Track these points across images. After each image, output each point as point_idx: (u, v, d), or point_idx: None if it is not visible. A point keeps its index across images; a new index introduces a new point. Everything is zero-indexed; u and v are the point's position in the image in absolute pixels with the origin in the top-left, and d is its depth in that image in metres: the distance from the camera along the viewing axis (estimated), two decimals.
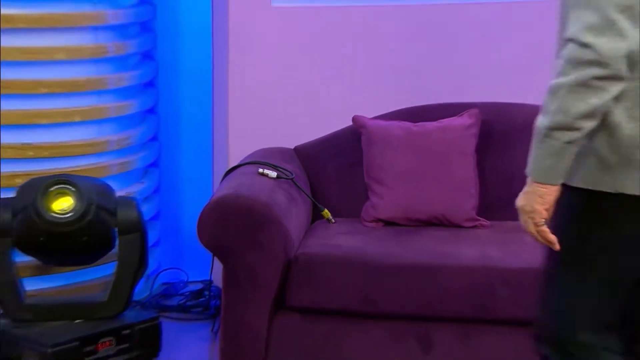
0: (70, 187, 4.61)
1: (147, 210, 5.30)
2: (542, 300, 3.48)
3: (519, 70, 5.65)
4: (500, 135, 5.22)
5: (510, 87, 5.53)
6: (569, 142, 3.19)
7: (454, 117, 5.12)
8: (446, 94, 5.43)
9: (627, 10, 3.25)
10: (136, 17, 5.46)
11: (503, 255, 4.48)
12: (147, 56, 5.68)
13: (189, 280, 5.77)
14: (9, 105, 5.02)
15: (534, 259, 4.19)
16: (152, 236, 5.26)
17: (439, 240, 4.71)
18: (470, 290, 4.36)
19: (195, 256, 4.85)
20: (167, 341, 4.80)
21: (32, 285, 5.04)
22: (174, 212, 5.91)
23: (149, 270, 5.12)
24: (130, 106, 5.35)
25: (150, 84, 5.67)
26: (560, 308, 3.39)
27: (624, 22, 3.19)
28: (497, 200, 5.11)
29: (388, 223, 4.93)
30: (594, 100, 3.14)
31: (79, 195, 4.59)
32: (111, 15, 5.18)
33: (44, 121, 5.13)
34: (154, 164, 5.71)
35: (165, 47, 5.74)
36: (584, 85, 3.10)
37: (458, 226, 4.92)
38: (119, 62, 5.33)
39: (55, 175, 4.77)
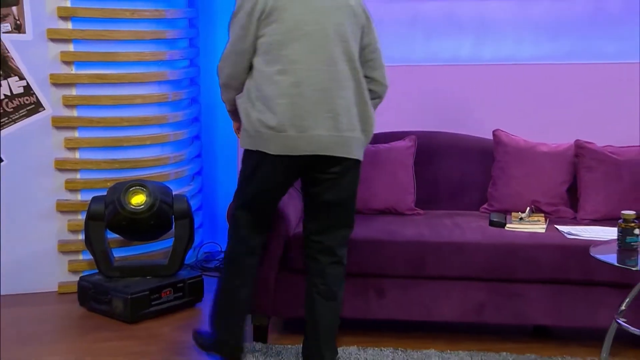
0: (143, 188, 4.94)
1: (193, 203, 5.51)
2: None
3: (442, 110, 5.57)
4: (429, 152, 5.22)
5: (436, 122, 5.44)
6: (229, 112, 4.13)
7: (399, 141, 5.19)
8: (392, 124, 5.34)
9: None
10: (187, 74, 5.63)
11: (431, 233, 4.57)
12: (194, 100, 5.85)
13: (222, 250, 5.70)
14: (103, 134, 5.20)
15: (452, 235, 4.55)
16: (197, 221, 5.50)
17: (389, 223, 4.77)
18: (410, 256, 4.44)
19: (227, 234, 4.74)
20: (208, 291, 4.89)
21: (118, 253, 5.19)
22: (211, 205, 6.02)
23: (195, 244, 5.31)
24: (183, 134, 5.58)
25: (196, 119, 5.84)
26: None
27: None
28: (427, 197, 5.20)
29: (356, 212, 4.78)
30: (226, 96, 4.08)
31: (148, 193, 4.90)
32: (170, 74, 5.37)
33: (125, 144, 5.27)
34: (198, 173, 5.92)
35: (207, 94, 5.79)
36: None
37: (402, 214, 5.00)
38: (176, 105, 5.51)
39: (133, 180, 4.98)
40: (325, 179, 3.85)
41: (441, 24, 5.78)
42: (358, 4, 3.92)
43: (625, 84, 5.63)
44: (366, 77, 3.94)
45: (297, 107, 3.71)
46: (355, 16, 3.88)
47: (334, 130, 3.75)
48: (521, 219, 4.81)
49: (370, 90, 3.95)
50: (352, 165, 3.88)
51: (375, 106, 4.04)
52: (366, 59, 3.94)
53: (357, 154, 3.88)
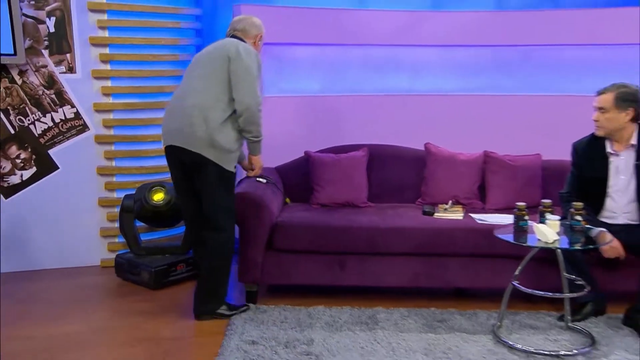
0: (162, 188, 4.87)
1: None
2: None
3: (387, 128, 5.63)
4: (378, 160, 5.31)
5: (383, 137, 5.50)
6: None
7: (356, 151, 5.26)
8: (350, 139, 5.47)
9: None
10: None
11: (380, 221, 4.66)
12: None
13: None
14: (133, 147, 5.31)
15: (395, 222, 4.62)
16: None
17: (348, 214, 4.85)
18: (364, 237, 4.54)
19: None
20: None
21: (144, 237, 5.26)
22: None
23: None
24: None
25: None
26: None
27: None
28: (376, 193, 5.28)
29: (323, 205, 5.08)
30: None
31: (166, 192, 4.86)
32: None
33: (150, 155, 5.31)
34: None
35: None
36: None
37: (358, 206, 5.10)
38: None
39: (155, 182, 4.99)
40: None
41: (386, 64, 5.80)
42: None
43: (519, 110, 5.74)
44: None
45: None
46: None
47: None
48: (445, 209, 4.93)
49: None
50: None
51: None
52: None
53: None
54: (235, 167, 4.19)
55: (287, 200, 5.14)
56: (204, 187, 4.15)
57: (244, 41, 4.23)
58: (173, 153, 4.17)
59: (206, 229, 4.21)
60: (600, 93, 4.30)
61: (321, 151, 5.32)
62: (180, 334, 4.11)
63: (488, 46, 5.79)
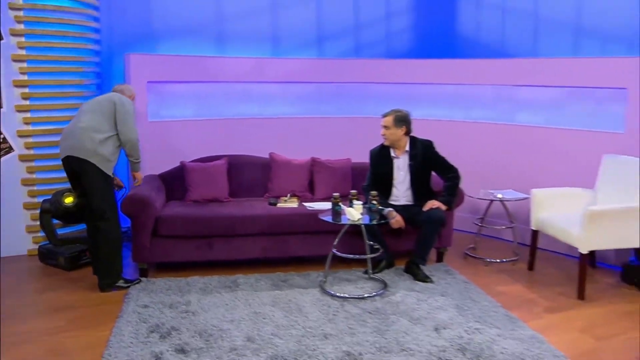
0: (72, 193, 4.59)
1: None
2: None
3: (242, 142, 5.70)
4: (236, 166, 5.27)
5: (240, 149, 5.56)
6: None
7: (218, 160, 5.20)
8: (214, 151, 5.43)
9: None
10: None
11: (238, 211, 4.62)
12: None
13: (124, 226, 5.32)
14: (48, 163, 4.98)
15: (249, 211, 4.61)
16: None
17: (214, 207, 4.78)
18: (227, 224, 4.49)
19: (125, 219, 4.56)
20: None
21: (60, 231, 5.00)
22: None
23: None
24: None
25: None
26: None
27: None
28: (235, 191, 5.24)
29: (195, 201, 4.98)
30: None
31: (75, 196, 4.55)
32: None
33: (61, 169, 4.85)
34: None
35: None
36: None
37: (221, 201, 5.03)
38: None
39: (66, 188, 4.69)
40: None
41: (241, 96, 5.80)
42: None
43: (335, 128, 6.02)
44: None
45: None
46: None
47: None
48: (285, 200, 5.03)
49: None
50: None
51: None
52: None
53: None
54: (112, 173, 4.25)
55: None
56: (91, 186, 4.16)
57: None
58: (67, 163, 4.24)
59: (97, 220, 4.19)
60: (384, 116, 4.59)
61: (193, 161, 5.26)
62: (89, 303, 4.06)
63: (313, 82, 6.01)
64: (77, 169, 4.20)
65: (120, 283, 4.31)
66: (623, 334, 3.63)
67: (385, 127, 4.58)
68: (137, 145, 4.28)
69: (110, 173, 4.22)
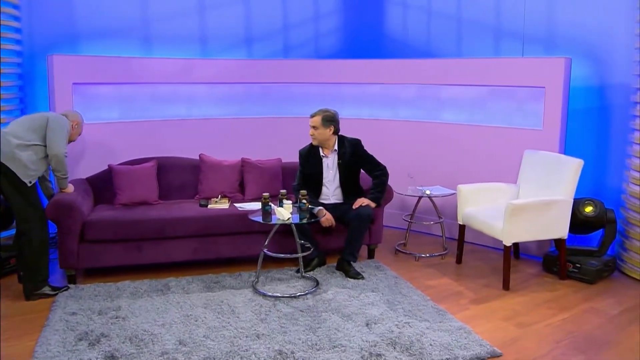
0: None
1: None
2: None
3: (172, 144, 5.61)
4: (165, 168, 5.18)
5: (169, 151, 5.49)
6: None
7: (147, 163, 5.12)
8: (143, 153, 5.37)
9: None
10: None
11: (167, 213, 4.59)
12: None
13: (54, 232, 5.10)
14: None
15: (179, 213, 4.57)
16: None
17: (144, 210, 4.69)
18: (157, 226, 4.45)
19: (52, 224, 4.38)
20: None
21: None
22: None
23: None
24: None
25: None
26: None
27: None
28: (164, 193, 5.16)
29: (124, 204, 4.87)
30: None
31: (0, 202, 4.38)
32: None
33: None
34: None
35: None
36: None
37: (151, 204, 4.93)
38: None
39: None
40: None
41: (168, 97, 5.71)
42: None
43: (263, 128, 5.98)
44: None
45: None
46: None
47: None
48: (216, 201, 5.00)
49: None
50: None
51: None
52: None
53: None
54: (30, 182, 4.08)
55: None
56: (8, 190, 4.04)
57: None
58: None
59: (19, 224, 4.09)
60: (312, 116, 4.63)
61: (121, 164, 5.18)
62: (13, 312, 3.91)
63: (241, 83, 5.97)
64: None
65: (46, 290, 4.17)
66: (544, 321, 3.82)
67: (314, 127, 4.62)
68: (64, 161, 4.22)
69: (26, 181, 4.07)
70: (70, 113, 4.62)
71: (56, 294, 4.18)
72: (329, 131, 4.62)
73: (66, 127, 4.31)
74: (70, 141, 4.54)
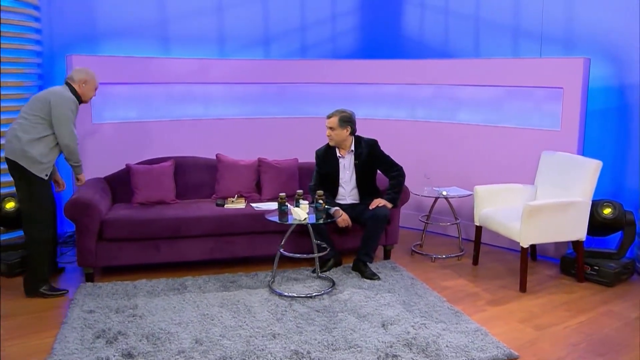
0: (13, 198, 4.55)
1: None
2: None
3: (189, 144, 5.64)
4: (182, 168, 5.20)
5: (187, 151, 5.53)
6: None
7: (164, 162, 5.14)
8: (161, 153, 5.39)
9: None
10: None
11: (184, 212, 4.59)
12: None
13: (72, 230, 5.39)
14: None
15: (196, 212, 4.58)
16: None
17: (160, 209, 4.70)
18: (173, 225, 4.46)
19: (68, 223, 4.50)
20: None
21: (3, 237, 4.71)
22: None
23: None
24: None
25: None
26: None
27: None
28: (182, 193, 5.18)
29: (141, 204, 4.89)
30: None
31: (17, 202, 4.50)
32: None
33: (3, 172, 4.82)
34: None
35: None
36: None
37: (168, 203, 4.94)
38: None
39: (7, 193, 4.60)
40: None
41: (185, 97, 5.72)
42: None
43: (281, 128, 5.98)
44: None
45: None
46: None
47: None
48: (232, 201, 4.99)
49: None
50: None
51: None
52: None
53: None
54: (46, 175, 4.05)
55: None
56: (18, 188, 4.05)
57: (71, 86, 4.20)
58: (8, 165, 4.09)
59: (24, 222, 4.10)
60: (329, 117, 4.62)
61: (138, 163, 5.20)
62: (31, 310, 3.94)
63: (258, 83, 5.97)
64: (11, 170, 4.06)
65: (44, 289, 4.16)
66: (561, 323, 3.77)
67: (331, 128, 4.61)
68: (75, 150, 4.12)
69: (42, 175, 4.04)
70: (75, 74, 4.28)
71: (52, 295, 4.17)
72: (345, 132, 4.61)
73: (70, 109, 4.08)
74: (85, 101, 4.31)
